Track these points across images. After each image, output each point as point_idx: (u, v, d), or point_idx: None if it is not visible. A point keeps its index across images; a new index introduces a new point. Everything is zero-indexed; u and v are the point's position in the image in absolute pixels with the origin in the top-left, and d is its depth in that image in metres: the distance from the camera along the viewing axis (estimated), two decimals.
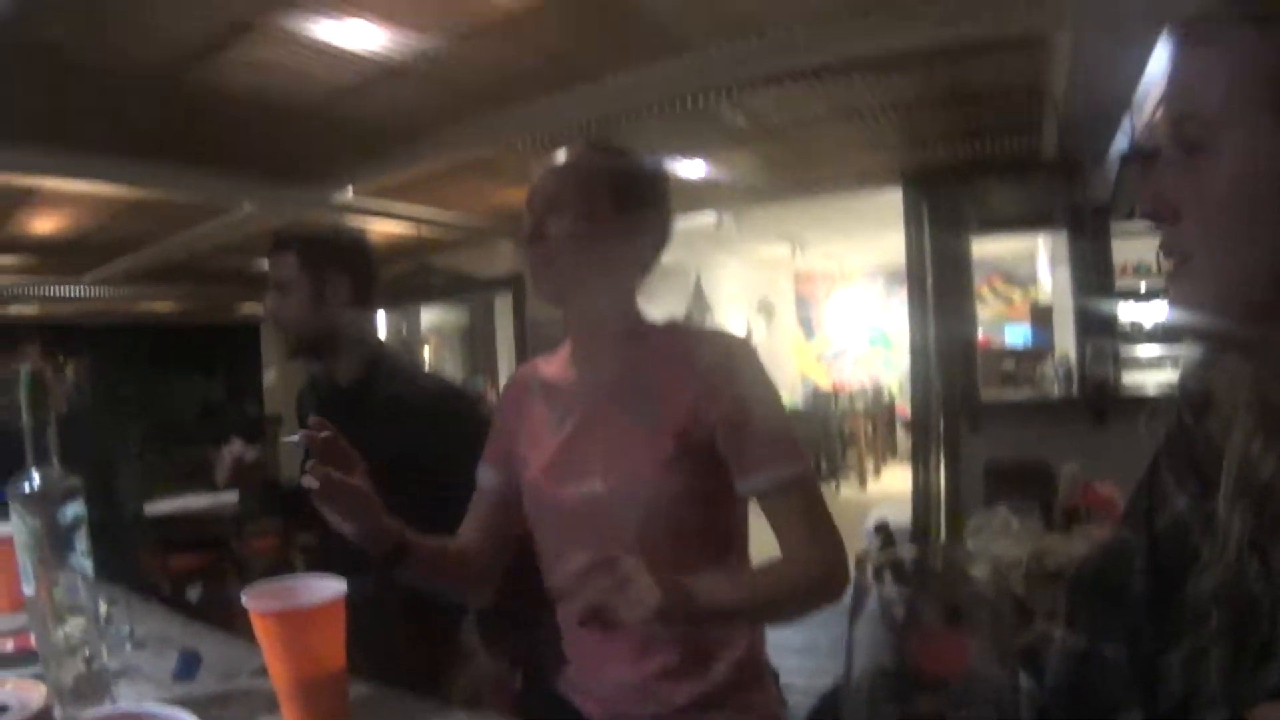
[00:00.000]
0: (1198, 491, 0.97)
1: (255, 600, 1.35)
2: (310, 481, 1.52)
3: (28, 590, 1.39)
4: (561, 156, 1.82)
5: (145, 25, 3.99)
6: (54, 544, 1.36)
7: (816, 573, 1.63)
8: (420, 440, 2.49)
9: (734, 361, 1.73)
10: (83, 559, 1.40)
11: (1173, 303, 0.90)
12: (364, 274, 2.75)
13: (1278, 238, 0.80)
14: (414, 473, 2.46)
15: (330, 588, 1.37)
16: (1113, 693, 0.97)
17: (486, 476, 1.99)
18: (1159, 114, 0.90)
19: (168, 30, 4.03)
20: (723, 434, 1.68)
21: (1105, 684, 0.98)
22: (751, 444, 1.68)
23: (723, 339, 1.83)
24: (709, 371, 1.70)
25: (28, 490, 1.33)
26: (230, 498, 6.04)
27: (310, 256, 2.64)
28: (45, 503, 1.34)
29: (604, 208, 1.75)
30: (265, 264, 2.69)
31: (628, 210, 1.77)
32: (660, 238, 1.85)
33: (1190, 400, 1.01)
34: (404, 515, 2.47)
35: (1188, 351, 1.07)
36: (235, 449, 2.52)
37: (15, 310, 9.94)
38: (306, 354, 2.70)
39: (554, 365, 1.96)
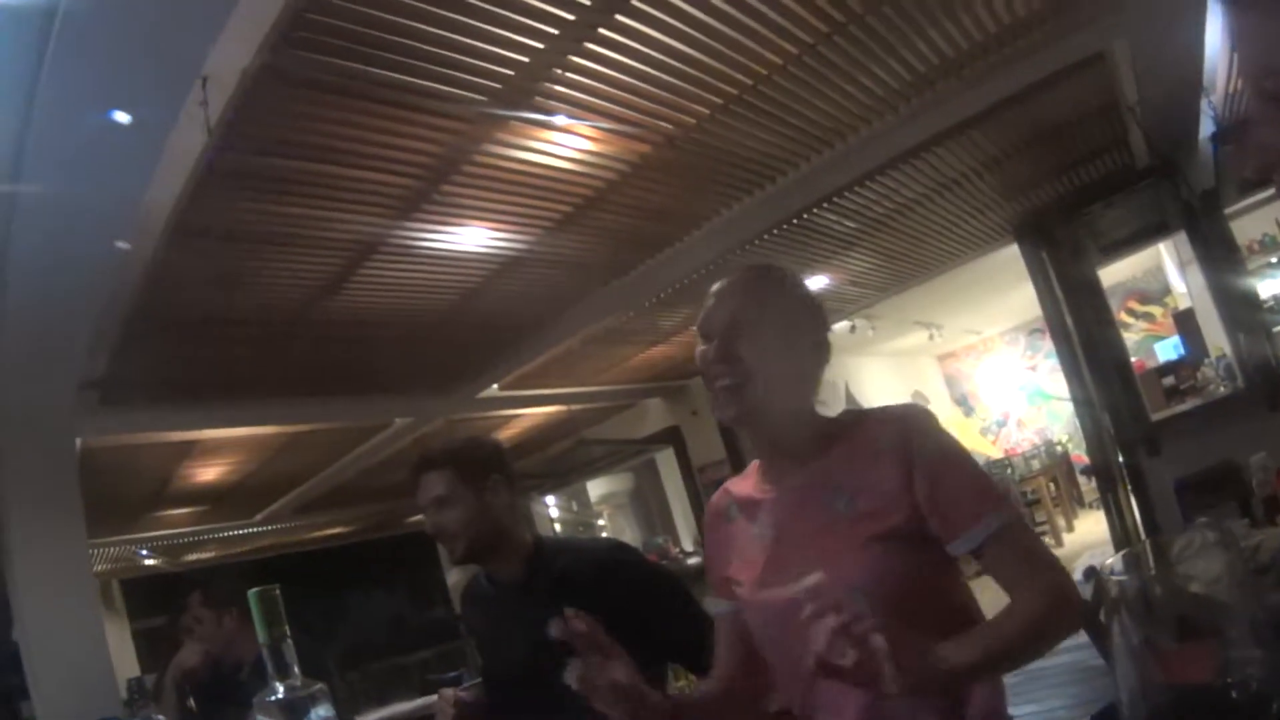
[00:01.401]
0: None
1: None
2: (572, 680, 1.61)
3: None
4: (735, 279, 1.84)
5: (271, 273, 4.32)
6: None
7: (1047, 602, 1.54)
8: (600, 604, 2.58)
9: (915, 430, 1.72)
10: None
11: None
12: (509, 474, 2.85)
13: None
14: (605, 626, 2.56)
15: None
16: None
17: (718, 606, 1.98)
18: (1241, 83, 0.95)
19: (293, 273, 4.37)
20: (925, 503, 1.65)
21: None
22: (954, 503, 1.64)
23: (899, 410, 1.81)
24: (895, 447, 1.68)
25: (273, 700, 1.37)
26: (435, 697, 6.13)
27: (468, 469, 2.76)
28: (293, 710, 1.37)
29: (783, 327, 1.77)
30: (417, 485, 2.77)
31: (802, 327, 1.80)
32: (826, 349, 1.87)
33: None
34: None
35: None
36: (449, 697, 2.60)
37: (194, 556, 10.29)
38: (474, 559, 2.78)
39: (747, 483, 1.94)
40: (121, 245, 3.62)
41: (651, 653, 2.67)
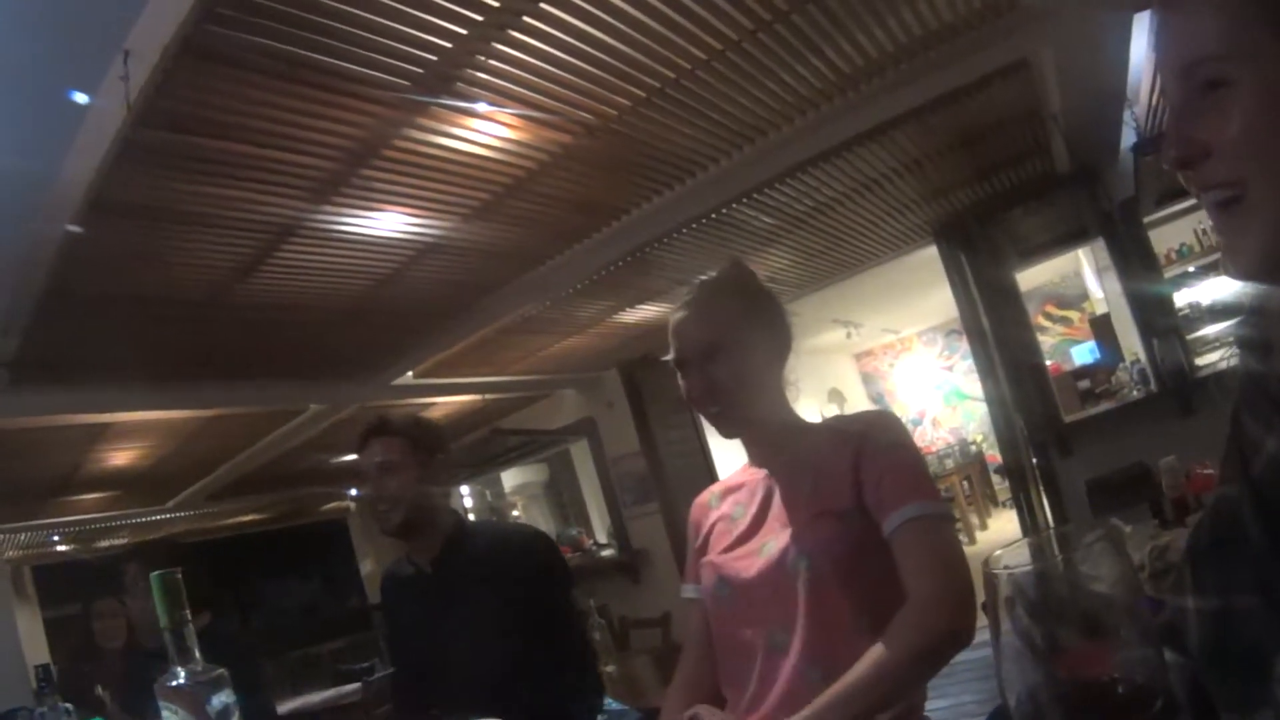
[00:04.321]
0: None
1: None
2: None
3: None
4: (695, 302, 1.94)
5: (187, 253, 4.23)
6: None
7: (931, 620, 1.62)
8: (507, 587, 2.62)
9: (875, 425, 1.86)
10: None
11: (1226, 242, 0.89)
12: (450, 458, 2.95)
13: None
14: (515, 612, 2.60)
15: None
16: (1257, 641, 0.95)
17: (690, 591, 2.04)
18: (1162, 78, 0.93)
19: (210, 254, 4.28)
20: (866, 485, 1.77)
21: (1247, 635, 0.96)
22: (888, 486, 1.75)
23: (870, 413, 1.97)
24: (855, 437, 1.82)
25: (174, 685, 1.34)
26: (350, 689, 6.13)
27: (418, 439, 2.83)
28: (194, 695, 1.34)
29: (748, 335, 1.89)
30: (365, 448, 2.83)
31: (768, 326, 1.95)
32: (788, 339, 2.00)
33: (1251, 345, 1.01)
34: (523, 656, 2.60)
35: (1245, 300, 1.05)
36: None
37: (106, 542, 10.12)
38: (404, 533, 2.80)
39: (735, 476, 2.07)
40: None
41: (528, 633, 2.71)
